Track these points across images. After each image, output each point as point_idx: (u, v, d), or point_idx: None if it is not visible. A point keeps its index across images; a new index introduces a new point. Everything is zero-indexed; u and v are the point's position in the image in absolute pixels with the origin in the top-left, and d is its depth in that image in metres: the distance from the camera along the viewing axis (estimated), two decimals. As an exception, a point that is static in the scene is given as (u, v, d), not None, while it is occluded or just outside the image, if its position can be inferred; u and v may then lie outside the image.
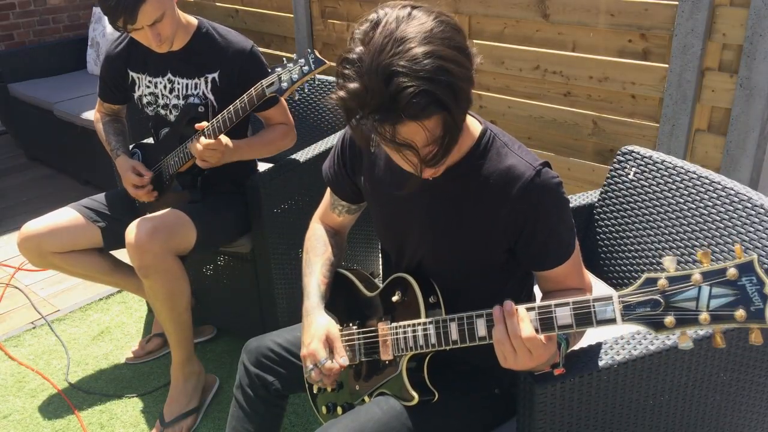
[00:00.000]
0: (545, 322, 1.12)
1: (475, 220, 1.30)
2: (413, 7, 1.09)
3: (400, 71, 1.02)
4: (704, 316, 0.95)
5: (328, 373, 1.37)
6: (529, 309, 1.13)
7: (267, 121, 2.24)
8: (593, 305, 1.06)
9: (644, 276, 1.01)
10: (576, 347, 1.33)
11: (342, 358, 1.38)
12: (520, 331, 1.11)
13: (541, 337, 1.11)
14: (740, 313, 0.92)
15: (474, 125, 1.30)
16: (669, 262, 0.98)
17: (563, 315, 1.09)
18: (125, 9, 1.88)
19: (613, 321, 1.04)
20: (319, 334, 1.40)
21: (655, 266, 1.75)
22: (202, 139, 1.99)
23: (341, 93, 1.08)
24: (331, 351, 1.39)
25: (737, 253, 0.91)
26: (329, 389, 1.52)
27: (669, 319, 0.98)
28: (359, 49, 1.06)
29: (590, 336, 1.41)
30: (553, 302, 1.11)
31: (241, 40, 2.14)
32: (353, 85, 1.06)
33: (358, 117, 1.09)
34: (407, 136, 1.08)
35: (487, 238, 1.30)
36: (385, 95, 1.03)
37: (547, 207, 1.26)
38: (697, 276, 0.95)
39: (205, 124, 2.02)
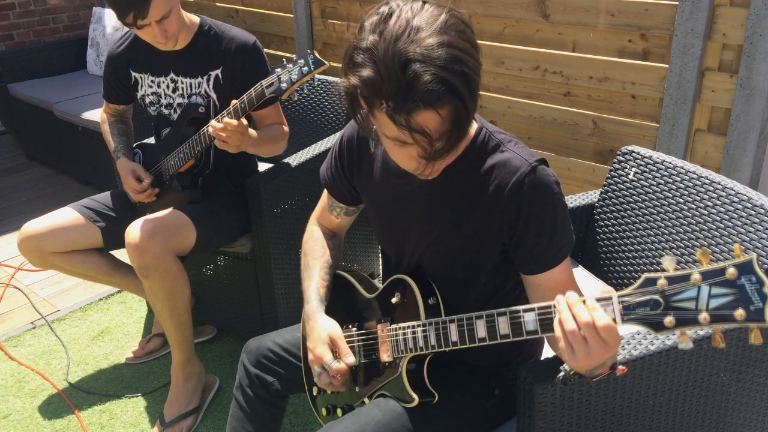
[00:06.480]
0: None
1: (472, 219, 1.29)
2: (424, 1, 1.09)
3: (416, 58, 1.02)
4: (704, 315, 0.94)
5: (336, 374, 1.36)
6: (599, 300, 1.02)
7: (262, 120, 2.21)
8: None
9: (643, 276, 1.00)
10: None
11: (348, 357, 1.37)
12: (595, 320, 0.99)
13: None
14: (740, 312, 0.91)
15: None
16: (668, 262, 0.97)
17: None
18: (137, 3, 1.87)
19: (612, 321, 1.04)
20: (322, 338, 1.40)
21: (655, 266, 1.75)
22: (225, 119, 1.96)
23: (353, 80, 1.06)
24: (336, 352, 1.39)
25: (736, 253, 0.91)
26: (329, 391, 1.51)
27: (669, 319, 0.97)
28: (372, 37, 1.05)
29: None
30: (552, 303, 1.10)
31: (244, 34, 2.14)
32: (367, 72, 1.04)
33: (367, 108, 1.07)
34: (421, 124, 1.07)
35: (485, 237, 1.29)
36: (402, 82, 1.02)
37: (540, 203, 1.23)
38: (696, 276, 0.94)
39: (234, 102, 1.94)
